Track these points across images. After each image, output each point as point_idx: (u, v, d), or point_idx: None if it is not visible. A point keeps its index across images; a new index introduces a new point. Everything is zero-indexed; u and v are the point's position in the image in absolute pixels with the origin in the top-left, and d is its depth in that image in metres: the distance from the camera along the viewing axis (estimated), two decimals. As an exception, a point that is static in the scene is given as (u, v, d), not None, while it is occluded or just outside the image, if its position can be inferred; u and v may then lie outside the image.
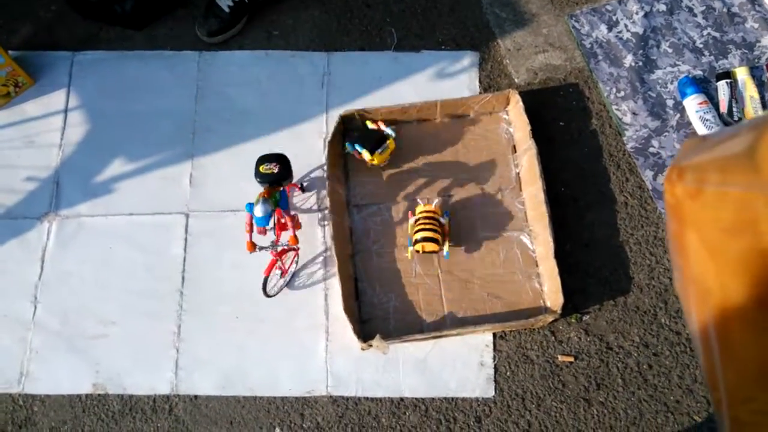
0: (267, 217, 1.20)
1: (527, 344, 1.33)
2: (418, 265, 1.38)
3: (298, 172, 1.46)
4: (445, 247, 1.33)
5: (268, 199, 1.21)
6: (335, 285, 1.33)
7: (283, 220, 1.29)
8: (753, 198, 0.48)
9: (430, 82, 1.55)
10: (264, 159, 1.28)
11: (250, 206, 1.22)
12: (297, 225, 1.29)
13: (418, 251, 1.33)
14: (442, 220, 1.34)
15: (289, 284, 1.37)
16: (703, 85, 1.49)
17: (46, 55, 1.59)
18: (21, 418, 1.31)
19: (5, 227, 1.44)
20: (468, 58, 1.57)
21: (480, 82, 1.55)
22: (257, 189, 1.44)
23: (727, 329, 0.54)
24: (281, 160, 1.28)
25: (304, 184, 1.46)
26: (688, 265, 0.58)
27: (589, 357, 1.32)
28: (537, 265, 1.37)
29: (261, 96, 1.55)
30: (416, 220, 1.33)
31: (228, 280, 1.39)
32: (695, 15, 1.57)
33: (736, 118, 1.45)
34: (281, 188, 1.29)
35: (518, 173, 1.44)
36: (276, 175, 1.26)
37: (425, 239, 1.29)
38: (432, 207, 1.34)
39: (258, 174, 1.27)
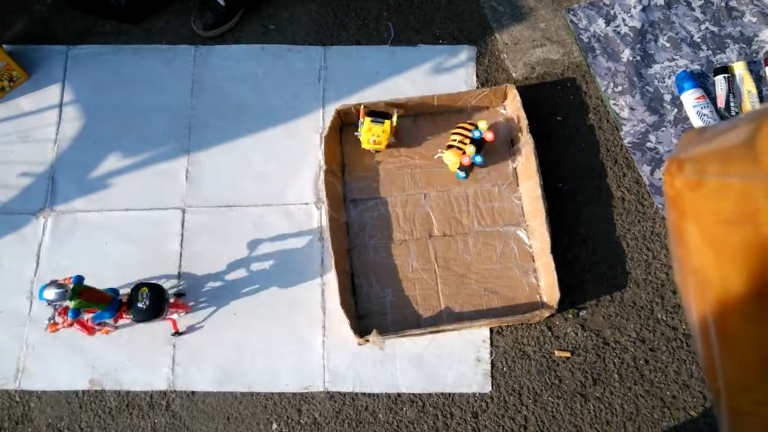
0: (47, 301, 1.10)
1: (524, 340, 1.33)
2: (414, 260, 1.37)
3: (294, 170, 1.46)
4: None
5: (71, 293, 1.10)
6: (332, 280, 1.33)
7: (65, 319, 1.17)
8: (752, 189, 0.48)
9: (427, 76, 1.54)
10: (152, 287, 1.20)
11: (79, 278, 1.14)
12: (68, 324, 1.16)
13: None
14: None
15: (285, 280, 1.37)
16: (701, 80, 1.49)
17: (41, 49, 1.58)
18: (18, 414, 1.31)
19: (0, 223, 1.44)
20: (465, 53, 1.56)
21: (477, 76, 1.54)
22: (253, 185, 1.45)
23: (727, 320, 0.54)
24: (156, 305, 1.19)
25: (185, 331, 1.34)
26: (687, 257, 0.58)
27: (586, 352, 1.32)
28: (534, 261, 1.37)
29: (257, 90, 1.54)
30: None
31: (224, 275, 1.38)
32: (693, 9, 1.56)
33: (733, 113, 1.45)
34: (117, 310, 1.19)
35: (515, 168, 1.44)
36: (139, 309, 1.18)
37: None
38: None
39: (136, 290, 1.20)
